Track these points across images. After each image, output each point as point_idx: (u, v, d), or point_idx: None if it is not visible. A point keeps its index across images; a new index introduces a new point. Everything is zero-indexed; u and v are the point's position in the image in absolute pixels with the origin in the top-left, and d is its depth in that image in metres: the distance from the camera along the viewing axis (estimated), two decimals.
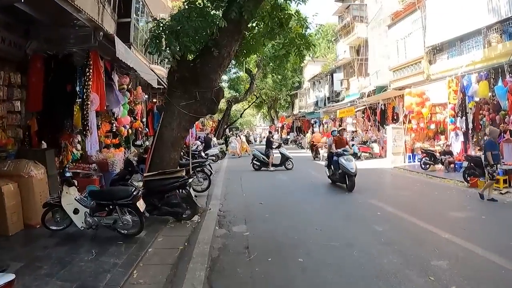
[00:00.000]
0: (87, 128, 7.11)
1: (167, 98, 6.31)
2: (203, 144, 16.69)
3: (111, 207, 5.07)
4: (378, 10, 20.63)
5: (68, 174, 5.11)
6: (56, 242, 4.92)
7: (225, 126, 28.86)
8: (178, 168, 6.86)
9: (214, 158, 15.46)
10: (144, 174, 5.98)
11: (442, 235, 4.97)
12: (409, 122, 14.64)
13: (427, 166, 12.18)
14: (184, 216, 5.96)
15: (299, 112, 36.98)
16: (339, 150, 9.16)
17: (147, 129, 12.73)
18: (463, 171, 9.64)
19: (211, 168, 10.03)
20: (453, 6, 13.23)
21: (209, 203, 7.38)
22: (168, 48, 5.25)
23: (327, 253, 4.27)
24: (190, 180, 5.96)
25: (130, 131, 11.13)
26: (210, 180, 8.59)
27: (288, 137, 35.73)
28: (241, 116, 43.41)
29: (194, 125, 22.01)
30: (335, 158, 9.12)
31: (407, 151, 14.57)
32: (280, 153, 13.72)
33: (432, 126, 14.12)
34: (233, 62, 26.32)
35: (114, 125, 9.06)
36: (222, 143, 19.50)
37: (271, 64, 26.35)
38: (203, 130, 25.69)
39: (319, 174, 11.96)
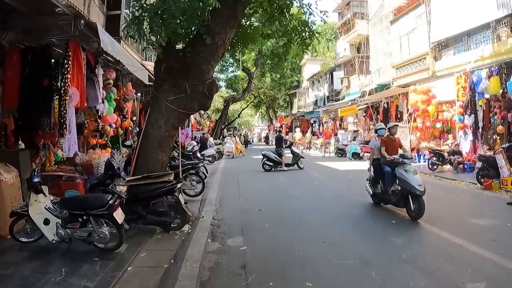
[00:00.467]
0: (64, 126, 6.38)
1: (153, 92, 5.58)
2: (199, 145, 15.94)
3: (84, 217, 4.35)
4: (380, 6, 20.00)
5: (36, 180, 4.38)
6: (24, 257, 4.23)
7: (223, 126, 28.10)
8: (168, 170, 6.16)
9: (210, 159, 14.75)
10: (127, 179, 5.25)
11: (469, 248, 4.29)
12: (414, 120, 13.98)
13: (435, 166, 11.51)
14: (172, 225, 5.25)
15: (298, 111, 36.31)
16: (394, 156, 6.25)
17: (138, 128, 11.98)
18: (477, 172, 8.98)
19: (206, 171, 9.32)
20: (460, 0, 12.60)
21: (202, 209, 6.66)
22: (151, 32, 4.52)
23: (340, 274, 3.56)
24: (179, 185, 5.24)
25: (120, 130, 10.40)
26: (204, 183, 7.87)
27: (287, 137, 34.99)
28: (239, 116, 42.66)
29: (191, 124, 21.17)
30: (387, 169, 6.29)
31: (413, 151, 13.90)
32: (292, 152, 13.20)
33: (438, 125, 13.46)
34: (231, 60, 25.55)
35: (100, 123, 8.32)
36: (219, 144, 18.74)
37: (269, 61, 25.70)
38: (200, 130, 24.97)
39: (321, 175, 11.31)
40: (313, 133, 27.76)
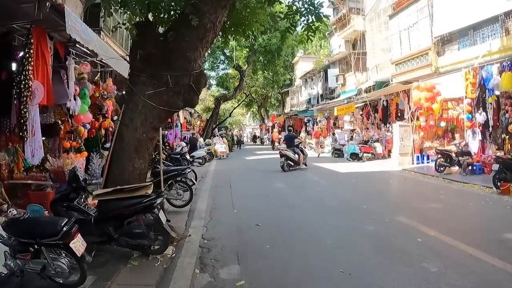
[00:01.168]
0: (25, 128, 5.34)
1: (128, 86, 4.57)
2: (189, 146, 14.89)
3: (36, 247, 3.34)
4: (376, 1, 19.26)
5: None
6: None
7: (214, 126, 27.00)
8: (148, 181, 5.16)
9: (200, 160, 13.74)
10: (94, 193, 4.23)
11: None
12: (417, 119, 13.21)
13: (442, 168, 10.73)
14: (152, 249, 4.26)
15: (291, 110, 35.46)
16: None
17: None
18: (493, 175, 8.20)
19: (195, 176, 8.34)
20: None
21: (189, 224, 5.67)
22: (122, 5, 3.52)
23: None
24: (159, 200, 4.24)
25: (103, 131, 9.33)
26: (193, 192, 6.87)
27: (280, 136, 34.11)
28: (230, 115, 41.58)
29: (180, 124, 20.05)
30: None
31: (415, 151, 13.14)
32: (301, 151, 12.72)
33: (443, 124, 12.72)
34: (222, 58, 24.58)
35: (72, 124, 7.25)
36: (209, 144, 17.68)
37: (261, 58, 24.73)
38: (190, 130, 23.84)
39: (322, 179, 10.41)
40: (307, 133, 26.94)
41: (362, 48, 22.01)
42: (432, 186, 9.00)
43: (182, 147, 12.91)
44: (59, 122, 7.48)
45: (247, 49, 24.52)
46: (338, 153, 16.94)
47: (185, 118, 21.11)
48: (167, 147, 12.66)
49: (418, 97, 12.61)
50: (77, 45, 6.56)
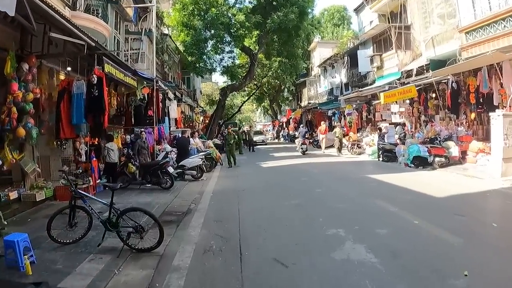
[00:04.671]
0: None
1: None
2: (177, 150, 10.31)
3: None
4: None
5: None
6: None
7: (220, 122, 22.43)
8: None
9: (194, 172, 9.24)
10: None
11: None
12: None
13: None
14: None
15: (309, 103, 30.80)
16: None
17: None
18: None
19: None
20: None
21: None
22: None
23: None
24: None
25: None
26: None
27: (297, 133, 29.50)
28: (239, 110, 37.08)
29: (175, 119, 15.19)
30: None
31: None
32: None
33: None
34: (228, 38, 20.02)
35: None
36: (211, 146, 12.97)
37: (275, 38, 20.12)
38: (195, 128, 19.32)
39: (430, 222, 5.61)
40: (332, 129, 22.29)
41: (402, 21, 17.31)
42: None
43: (166, 153, 8.48)
44: None
45: (257, 31, 19.98)
46: (388, 155, 12.28)
47: (182, 112, 16.68)
48: (144, 152, 8.25)
49: None
50: None
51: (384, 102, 13.42)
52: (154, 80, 9.11)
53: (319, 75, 30.35)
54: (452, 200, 6.57)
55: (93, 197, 4.85)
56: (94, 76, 6.56)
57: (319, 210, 6.05)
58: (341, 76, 25.15)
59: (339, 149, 15.75)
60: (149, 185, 7.48)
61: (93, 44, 6.34)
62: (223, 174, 11.24)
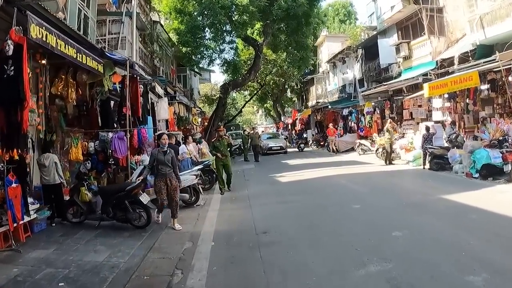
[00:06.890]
0: None
1: None
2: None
3: None
4: None
5: None
6: None
7: (220, 123, 19.61)
8: None
9: (187, 196, 6.40)
10: None
11: None
12: None
13: None
14: None
15: (317, 102, 28.08)
16: None
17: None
18: None
19: None
20: None
21: None
22: None
23: None
24: None
25: None
26: None
27: (305, 135, 26.75)
28: (241, 111, 34.24)
29: (166, 120, 11.48)
30: None
31: None
32: None
33: None
34: (228, 27, 17.49)
35: None
36: (205, 153, 9.82)
37: (282, 26, 17.38)
38: (193, 131, 16.51)
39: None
40: (349, 130, 19.57)
41: (434, 3, 14.68)
42: None
43: (144, 167, 5.65)
44: None
45: (260, 23, 17.29)
46: (439, 162, 9.49)
47: (174, 113, 13.93)
48: (111, 165, 5.37)
49: None
50: None
51: (428, 95, 10.63)
52: (127, 62, 6.31)
53: (328, 72, 27.67)
54: None
55: None
56: (9, 43, 3.82)
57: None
58: (354, 71, 22.44)
59: (388, 159, 11.61)
60: (113, 220, 4.69)
61: None
62: (228, 195, 8.15)
